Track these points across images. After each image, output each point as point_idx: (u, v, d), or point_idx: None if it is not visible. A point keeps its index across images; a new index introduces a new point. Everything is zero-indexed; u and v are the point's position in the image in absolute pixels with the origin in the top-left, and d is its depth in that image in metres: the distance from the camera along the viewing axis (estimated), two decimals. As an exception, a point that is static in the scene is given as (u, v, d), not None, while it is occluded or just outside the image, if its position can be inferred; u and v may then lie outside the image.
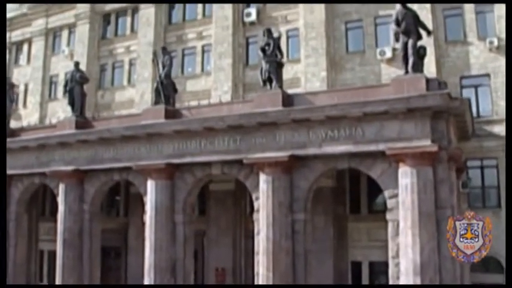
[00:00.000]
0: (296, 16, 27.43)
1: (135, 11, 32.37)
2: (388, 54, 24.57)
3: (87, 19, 33.31)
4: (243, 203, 25.70)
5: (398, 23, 17.96)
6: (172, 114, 21.79)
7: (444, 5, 24.46)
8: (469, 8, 24.02)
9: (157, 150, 21.51)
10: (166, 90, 22.33)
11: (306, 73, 26.12)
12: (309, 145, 18.50)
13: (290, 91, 20.80)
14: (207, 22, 29.78)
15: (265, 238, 18.64)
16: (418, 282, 15.92)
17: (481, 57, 23.51)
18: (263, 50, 20.26)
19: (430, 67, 22.12)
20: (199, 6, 30.43)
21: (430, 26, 21.32)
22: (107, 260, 27.88)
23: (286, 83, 21.99)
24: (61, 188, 24.02)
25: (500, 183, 22.11)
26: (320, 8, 26.32)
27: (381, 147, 17.18)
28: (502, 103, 21.95)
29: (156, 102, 22.52)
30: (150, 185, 21.31)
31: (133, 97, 30.86)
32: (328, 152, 18.26)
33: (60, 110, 32.62)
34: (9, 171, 25.24)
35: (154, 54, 23.93)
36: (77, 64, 25.72)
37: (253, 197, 19.81)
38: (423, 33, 18.21)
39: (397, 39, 18.37)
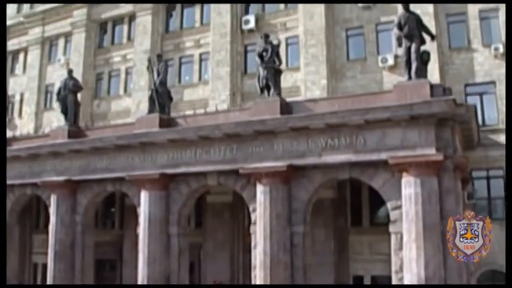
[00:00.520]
0: (295, 23, 26.91)
1: (131, 19, 31.96)
2: (390, 61, 24.10)
3: (84, 27, 32.89)
4: (241, 216, 24.99)
5: (400, 27, 17.44)
6: (166, 122, 21.17)
7: (447, 11, 23.99)
8: (473, 14, 23.56)
9: (151, 160, 20.91)
10: (161, 99, 21.74)
11: (306, 81, 25.52)
12: (308, 154, 17.83)
13: (289, 100, 20.13)
14: (204, 30, 29.30)
15: (262, 251, 17.94)
16: (423, 297, 15.24)
17: (486, 64, 23.03)
18: (261, 56, 19.58)
19: (433, 74, 21.52)
20: (197, 13, 29.98)
21: (433, 32, 20.74)
22: (102, 273, 27.46)
23: (285, 91, 21.46)
24: (53, 198, 23.44)
25: (507, 194, 21.45)
26: (320, 14, 25.78)
27: (383, 156, 16.53)
28: (508, 111, 21.35)
29: (151, 110, 21.84)
30: (144, 195, 20.72)
31: (130, 106, 30.29)
32: (328, 161, 17.62)
33: (56, 120, 31.92)
34: (0, 182, 24.60)
35: (149, 61, 23.13)
36: (70, 72, 25.09)
37: (250, 208, 19.15)
38: (427, 37, 17.69)
39: (399, 44, 17.77)
